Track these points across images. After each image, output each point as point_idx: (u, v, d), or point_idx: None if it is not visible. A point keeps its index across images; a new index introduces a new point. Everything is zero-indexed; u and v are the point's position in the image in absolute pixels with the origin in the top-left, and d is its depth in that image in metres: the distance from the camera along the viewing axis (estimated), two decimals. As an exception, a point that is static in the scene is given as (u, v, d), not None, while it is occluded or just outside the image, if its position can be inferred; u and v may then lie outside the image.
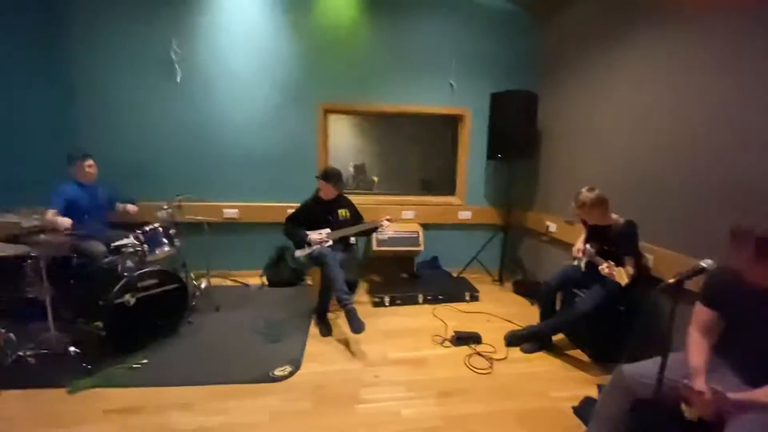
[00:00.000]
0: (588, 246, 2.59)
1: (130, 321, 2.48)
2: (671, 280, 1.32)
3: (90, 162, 3.00)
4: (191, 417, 1.99)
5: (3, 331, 2.36)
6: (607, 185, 2.90)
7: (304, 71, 3.80)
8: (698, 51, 2.24)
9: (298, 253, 3.03)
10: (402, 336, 2.91)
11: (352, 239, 3.50)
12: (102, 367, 2.31)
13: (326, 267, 2.80)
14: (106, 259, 2.67)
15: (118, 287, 2.40)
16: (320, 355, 2.61)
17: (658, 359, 1.36)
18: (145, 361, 2.42)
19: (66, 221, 2.70)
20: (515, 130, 3.66)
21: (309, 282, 3.80)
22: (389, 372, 2.45)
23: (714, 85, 2.14)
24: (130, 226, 2.98)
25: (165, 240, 2.87)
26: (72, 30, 3.49)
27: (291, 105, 3.84)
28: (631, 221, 2.41)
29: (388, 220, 3.11)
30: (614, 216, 2.48)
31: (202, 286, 3.38)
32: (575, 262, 2.73)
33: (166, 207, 3.10)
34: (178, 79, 3.63)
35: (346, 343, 2.76)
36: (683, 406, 1.44)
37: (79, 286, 2.62)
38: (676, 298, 1.30)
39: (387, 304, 3.44)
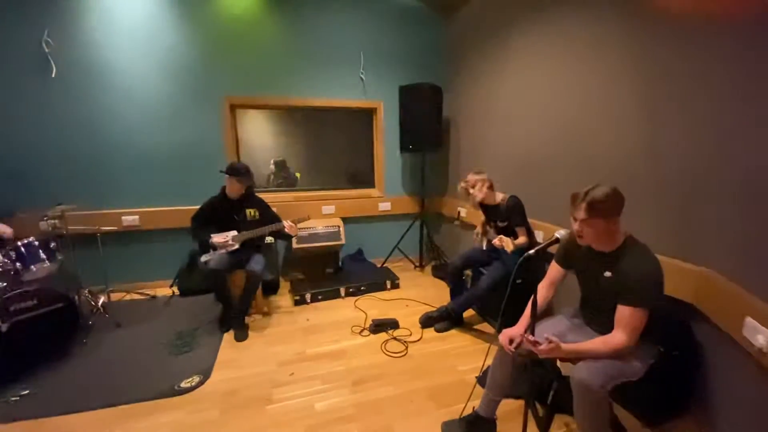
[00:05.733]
0: (489, 227, 2.83)
1: (4, 349, 2.18)
2: (531, 252, 1.48)
3: None
4: (79, 446, 1.82)
5: None
6: (507, 169, 3.14)
7: (205, 63, 3.57)
8: (573, 41, 2.40)
9: (204, 257, 2.87)
10: (321, 331, 2.91)
11: (268, 239, 3.40)
12: (-30, 405, 2.01)
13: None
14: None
15: (-19, 314, 2.10)
16: (234, 360, 2.52)
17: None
18: (25, 392, 2.15)
19: None
20: (423, 122, 3.79)
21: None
22: (305, 368, 2.44)
23: (584, 74, 2.32)
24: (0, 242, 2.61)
25: (44, 255, 2.56)
26: None
27: (191, 99, 3.58)
28: (514, 196, 2.66)
29: (291, 222, 2.93)
30: (501, 195, 2.72)
31: (100, 302, 3.07)
32: (477, 243, 2.97)
33: (46, 218, 2.78)
34: (53, 74, 3.22)
35: (262, 345, 2.70)
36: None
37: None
38: (536, 266, 1.45)
39: (308, 300, 3.41)
